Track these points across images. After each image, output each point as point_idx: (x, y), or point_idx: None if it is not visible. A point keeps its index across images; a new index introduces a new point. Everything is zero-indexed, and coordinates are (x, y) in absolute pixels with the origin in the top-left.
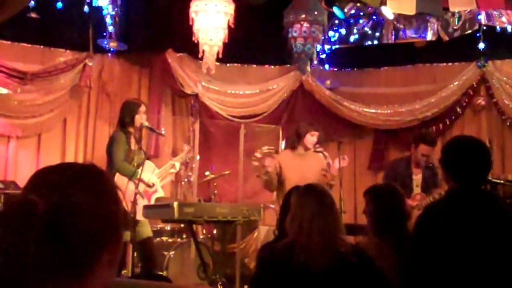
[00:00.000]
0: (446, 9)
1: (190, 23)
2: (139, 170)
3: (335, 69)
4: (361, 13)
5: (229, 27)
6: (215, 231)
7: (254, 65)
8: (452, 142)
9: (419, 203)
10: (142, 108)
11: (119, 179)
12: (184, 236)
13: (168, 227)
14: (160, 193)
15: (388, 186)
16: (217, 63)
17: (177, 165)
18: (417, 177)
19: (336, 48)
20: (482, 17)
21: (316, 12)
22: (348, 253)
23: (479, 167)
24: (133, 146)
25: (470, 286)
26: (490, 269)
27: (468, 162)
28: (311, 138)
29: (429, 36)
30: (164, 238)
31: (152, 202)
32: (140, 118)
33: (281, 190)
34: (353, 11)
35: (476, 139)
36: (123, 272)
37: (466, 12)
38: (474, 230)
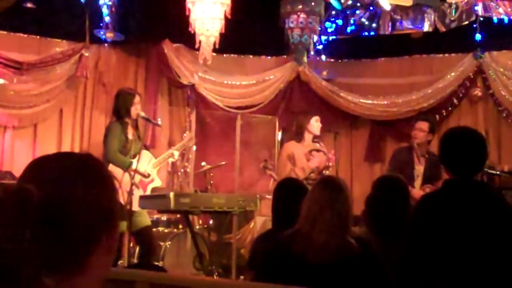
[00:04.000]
0: (443, 0)
1: (187, 13)
2: (135, 161)
3: (332, 60)
4: (358, 4)
5: (225, 17)
6: (211, 222)
7: (251, 56)
8: (448, 133)
9: None
10: (137, 99)
11: (115, 170)
12: (180, 227)
13: (164, 217)
14: (157, 183)
15: (389, 178)
16: (214, 54)
17: (176, 154)
18: (419, 167)
19: (333, 39)
20: (479, 8)
21: (313, 3)
22: (352, 247)
23: (474, 158)
24: (131, 136)
25: (465, 275)
26: (484, 259)
27: (462, 153)
28: (316, 124)
29: (426, 27)
30: (160, 229)
31: (148, 192)
32: (136, 109)
33: None
34: (350, 2)
35: (472, 130)
36: (119, 262)
37: (463, 3)
38: (469, 220)
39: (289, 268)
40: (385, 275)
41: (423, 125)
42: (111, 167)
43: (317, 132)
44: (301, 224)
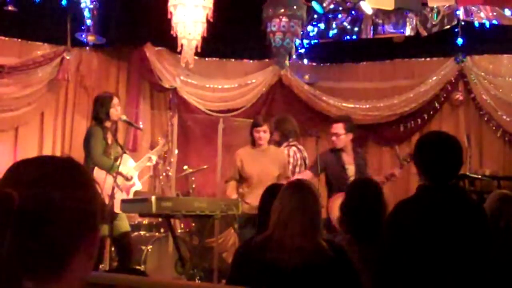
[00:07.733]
0: (425, 4)
1: (169, 16)
2: (117, 163)
3: (314, 64)
4: (340, 8)
5: (208, 21)
6: (193, 225)
7: (233, 60)
8: (423, 138)
9: None
10: (115, 100)
11: (97, 173)
12: (162, 230)
13: (146, 221)
14: (138, 187)
15: (362, 182)
16: (196, 57)
17: (154, 158)
18: (351, 167)
19: (315, 43)
20: (461, 13)
21: (295, 7)
22: (324, 250)
23: (449, 163)
24: (110, 140)
25: (440, 280)
26: (459, 264)
27: (437, 158)
28: (257, 135)
29: (408, 31)
30: (142, 232)
31: (131, 195)
32: (116, 111)
33: (243, 185)
34: (332, 6)
35: (447, 134)
36: (100, 266)
37: (444, 7)
38: (443, 225)
39: (263, 274)
40: (358, 278)
41: (338, 128)
42: (95, 171)
43: (260, 142)
44: (273, 230)
